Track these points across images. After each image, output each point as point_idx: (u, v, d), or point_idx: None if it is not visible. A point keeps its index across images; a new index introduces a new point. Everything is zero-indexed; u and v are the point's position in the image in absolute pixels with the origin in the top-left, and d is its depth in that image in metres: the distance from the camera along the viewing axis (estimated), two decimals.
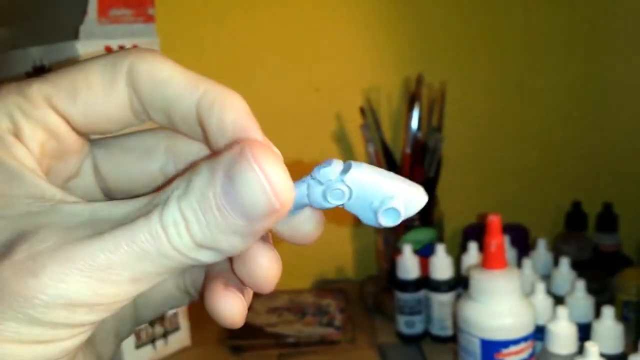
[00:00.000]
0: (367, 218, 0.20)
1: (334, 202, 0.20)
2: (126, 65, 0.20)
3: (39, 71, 0.54)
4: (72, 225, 0.18)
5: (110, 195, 0.24)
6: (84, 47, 0.51)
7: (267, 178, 0.17)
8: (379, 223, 0.20)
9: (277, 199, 0.17)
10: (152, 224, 0.18)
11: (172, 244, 0.18)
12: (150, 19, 0.56)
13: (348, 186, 0.20)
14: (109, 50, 0.52)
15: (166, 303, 0.25)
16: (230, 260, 0.22)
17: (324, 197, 0.20)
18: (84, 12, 0.51)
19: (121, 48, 0.53)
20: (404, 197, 0.19)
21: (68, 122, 0.21)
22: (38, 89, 0.20)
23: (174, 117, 0.21)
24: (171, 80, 0.21)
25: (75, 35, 0.51)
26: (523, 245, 0.80)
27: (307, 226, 0.22)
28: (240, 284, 0.22)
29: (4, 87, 0.20)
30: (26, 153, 0.20)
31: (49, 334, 0.17)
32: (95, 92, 0.20)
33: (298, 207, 0.21)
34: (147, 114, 0.22)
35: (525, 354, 0.55)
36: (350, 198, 0.20)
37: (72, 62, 0.49)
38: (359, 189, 0.20)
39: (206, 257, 0.18)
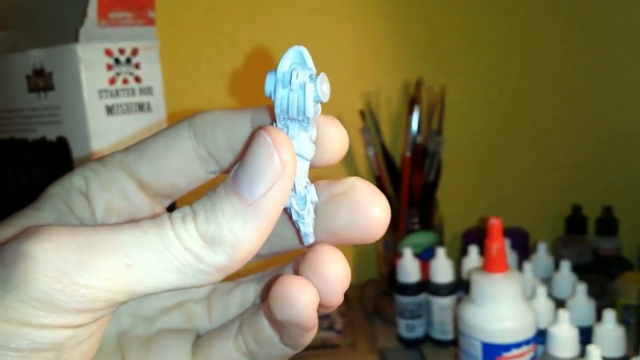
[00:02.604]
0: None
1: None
2: (186, 122, 0.22)
3: (39, 74, 0.54)
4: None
5: None
6: (83, 49, 0.50)
7: (275, 141, 0.17)
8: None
9: (279, 153, 0.17)
10: (160, 217, 0.18)
11: (175, 231, 0.17)
12: (150, 22, 0.56)
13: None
14: (109, 54, 0.52)
15: None
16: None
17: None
18: (83, 14, 0.51)
19: (121, 51, 0.53)
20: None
21: (140, 182, 0.23)
22: (112, 155, 0.23)
23: (235, 146, 0.22)
24: (224, 114, 0.22)
25: (75, 38, 0.50)
26: (523, 248, 0.80)
27: (330, 132, 0.21)
28: None
29: None
30: (84, 205, 0.22)
31: (28, 313, 0.16)
32: (160, 146, 0.22)
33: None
34: (213, 157, 0.22)
35: (526, 358, 0.55)
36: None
37: (71, 63, 0.49)
38: None
39: (210, 256, 0.18)
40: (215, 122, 0.22)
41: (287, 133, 0.19)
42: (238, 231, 0.18)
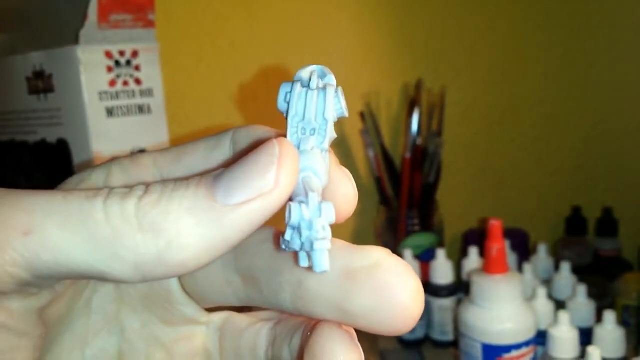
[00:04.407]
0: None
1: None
2: (231, 132, 0.20)
3: (39, 76, 0.54)
4: None
5: None
6: (84, 52, 0.50)
7: (281, 155, 0.15)
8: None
9: (279, 169, 0.15)
10: (105, 188, 0.15)
11: (106, 203, 0.15)
12: (150, 24, 0.56)
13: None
14: (109, 56, 0.52)
15: None
16: None
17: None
18: (84, 17, 0.51)
19: (121, 53, 0.53)
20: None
21: None
22: (148, 154, 0.20)
23: None
24: (266, 134, 0.19)
25: (75, 40, 0.50)
26: (523, 250, 0.80)
27: (342, 187, 0.18)
28: None
29: None
30: None
31: None
32: (198, 153, 0.20)
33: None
34: None
35: (526, 359, 0.55)
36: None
37: (72, 65, 0.49)
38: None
39: (135, 241, 0.14)
40: (253, 139, 0.19)
41: (299, 147, 0.17)
42: (184, 229, 0.15)
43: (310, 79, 0.17)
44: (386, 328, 0.16)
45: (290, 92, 0.17)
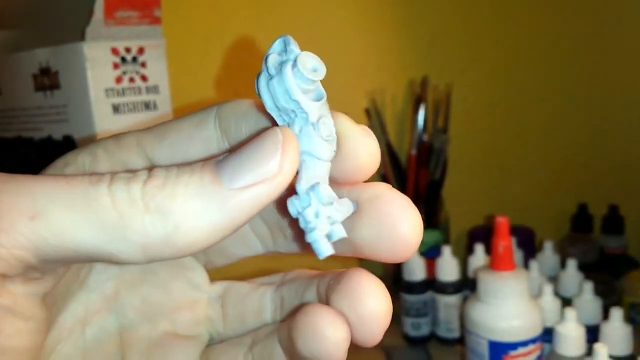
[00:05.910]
0: None
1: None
2: (214, 109, 0.20)
3: (45, 73, 0.54)
4: None
5: None
6: (90, 48, 0.50)
7: (284, 142, 0.15)
8: None
9: (283, 156, 0.15)
10: (107, 172, 0.16)
11: (111, 188, 0.15)
12: (156, 20, 0.56)
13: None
14: (115, 52, 0.52)
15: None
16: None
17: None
18: (90, 13, 0.51)
19: (127, 50, 0.53)
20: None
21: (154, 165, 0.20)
22: (131, 134, 0.20)
23: None
24: (252, 109, 0.19)
25: (81, 37, 0.50)
26: (529, 247, 0.80)
27: (360, 150, 0.18)
28: None
29: None
30: None
31: None
32: (183, 131, 0.20)
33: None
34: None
35: (533, 356, 0.55)
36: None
37: (77, 62, 0.49)
38: None
39: (142, 224, 0.15)
40: (242, 114, 0.19)
41: None
42: (191, 213, 0.15)
43: (267, 62, 0.17)
44: (387, 255, 0.17)
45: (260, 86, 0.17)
